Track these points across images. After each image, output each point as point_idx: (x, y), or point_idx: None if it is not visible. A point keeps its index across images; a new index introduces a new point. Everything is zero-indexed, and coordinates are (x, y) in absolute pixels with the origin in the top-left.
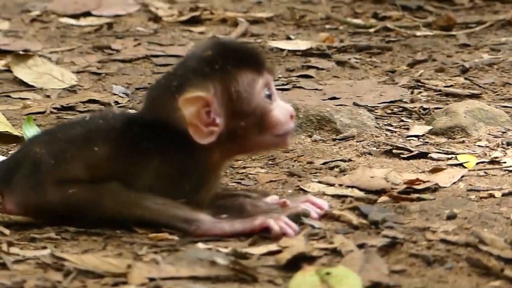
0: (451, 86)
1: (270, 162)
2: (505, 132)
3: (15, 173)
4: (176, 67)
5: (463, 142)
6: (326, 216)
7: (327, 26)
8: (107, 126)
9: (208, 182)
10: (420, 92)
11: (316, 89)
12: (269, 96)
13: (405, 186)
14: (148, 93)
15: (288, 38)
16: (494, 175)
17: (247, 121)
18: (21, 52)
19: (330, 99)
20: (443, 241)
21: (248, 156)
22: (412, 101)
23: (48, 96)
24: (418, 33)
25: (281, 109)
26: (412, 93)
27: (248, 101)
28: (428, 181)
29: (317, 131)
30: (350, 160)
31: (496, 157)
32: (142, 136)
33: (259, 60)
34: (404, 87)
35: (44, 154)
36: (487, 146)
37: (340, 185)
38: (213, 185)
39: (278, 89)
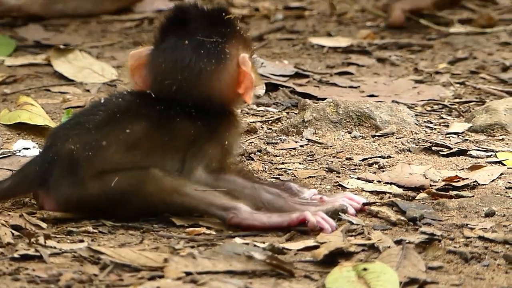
0: (491, 84)
1: (309, 158)
2: None
3: (50, 173)
4: (191, 32)
5: (502, 140)
6: (364, 212)
7: (368, 23)
8: (130, 104)
9: (237, 140)
10: (460, 90)
11: (356, 86)
12: None
13: (443, 183)
14: (172, 63)
15: (329, 35)
16: None
17: None
18: (61, 47)
19: (370, 96)
20: (481, 238)
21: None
22: (452, 98)
23: (88, 91)
24: (457, 30)
25: None
26: (452, 90)
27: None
28: (467, 179)
29: (356, 128)
30: (389, 156)
31: None
32: (170, 106)
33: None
34: (444, 84)
35: (79, 149)
36: None
37: (379, 181)
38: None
39: (318, 85)
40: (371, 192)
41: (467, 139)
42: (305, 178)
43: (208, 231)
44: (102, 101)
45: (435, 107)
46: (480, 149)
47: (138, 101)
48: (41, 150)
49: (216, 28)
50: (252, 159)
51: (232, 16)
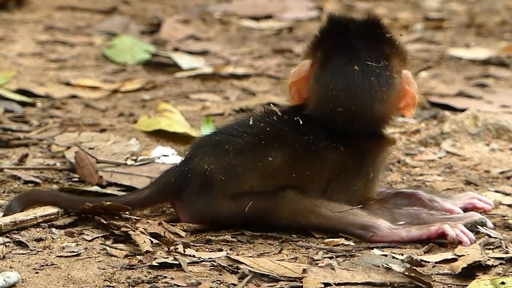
0: None
1: (447, 170)
2: None
3: (185, 187)
4: (357, 54)
5: None
6: (502, 226)
7: (507, 35)
8: (275, 130)
9: (385, 165)
10: None
11: (492, 98)
12: None
13: None
14: (344, 91)
15: (467, 47)
16: None
17: None
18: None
19: (503, 106)
20: None
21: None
22: None
23: (227, 98)
24: None
25: None
26: None
27: None
28: None
29: (494, 140)
30: None
31: None
32: (314, 134)
33: None
34: None
35: (214, 170)
36: None
37: None
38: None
39: (456, 97)
40: (509, 205)
41: None
42: (444, 190)
43: (346, 242)
44: (250, 122)
45: None
46: None
47: (286, 128)
48: (182, 159)
49: (380, 48)
50: (391, 170)
51: (393, 34)
